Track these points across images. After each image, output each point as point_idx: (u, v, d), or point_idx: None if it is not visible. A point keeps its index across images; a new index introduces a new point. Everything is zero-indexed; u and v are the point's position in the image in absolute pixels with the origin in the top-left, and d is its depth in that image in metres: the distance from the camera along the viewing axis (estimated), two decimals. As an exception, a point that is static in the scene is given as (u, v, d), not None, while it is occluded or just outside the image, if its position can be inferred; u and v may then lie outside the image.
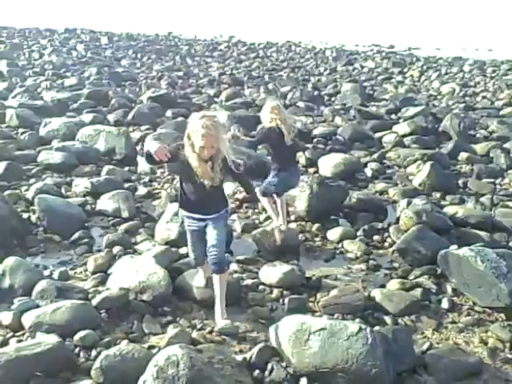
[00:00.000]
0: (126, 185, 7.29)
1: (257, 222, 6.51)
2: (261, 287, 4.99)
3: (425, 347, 4.16)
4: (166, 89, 14.06)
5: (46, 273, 5.10)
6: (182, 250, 5.47)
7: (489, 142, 9.86)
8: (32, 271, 4.85)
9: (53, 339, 3.72)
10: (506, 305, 4.55)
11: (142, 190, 7.30)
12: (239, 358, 3.83)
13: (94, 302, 4.41)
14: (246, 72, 18.59)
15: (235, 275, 5.14)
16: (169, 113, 11.64)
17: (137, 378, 3.35)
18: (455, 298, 4.88)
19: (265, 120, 5.90)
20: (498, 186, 7.82)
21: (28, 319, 4.09)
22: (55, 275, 5.03)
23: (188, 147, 4.11)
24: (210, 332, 4.29)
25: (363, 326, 3.60)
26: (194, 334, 4.18)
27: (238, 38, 32.30)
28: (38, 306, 4.38)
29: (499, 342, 4.28)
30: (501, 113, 12.73)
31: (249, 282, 5.04)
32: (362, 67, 21.09)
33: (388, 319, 4.55)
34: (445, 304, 4.78)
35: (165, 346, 3.93)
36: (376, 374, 3.48)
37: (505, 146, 9.58)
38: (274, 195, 6.00)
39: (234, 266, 5.32)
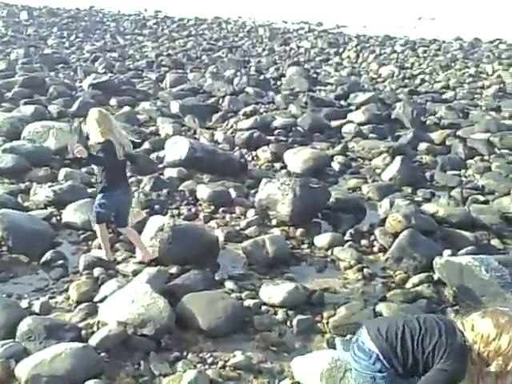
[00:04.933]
0: (90, 190, 6.68)
1: (238, 228, 6.19)
2: (263, 308, 4.73)
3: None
4: (104, 73, 13.20)
5: (24, 304, 4.55)
6: (171, 270, 5.09)
7: (443, 130, 10.03)
8: (11, 307, 4.30)
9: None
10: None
11: (106, 197, 6.73)
12: (267, 399, 3.59)
13: (93, 342, 3.98)
14: (183, 53, 17.87)
15: (233, 295, 4.84)
16: (113, 101, 10.93)
17: None
18: (458, 308, 4.86)
19: (94, 135, 4.96)
20: (463, 178, 7.95)
21: (23, 371, 3.60)
22: (36, 308, 4.49)
23: None
24: (223, 367, 4.00)
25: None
26: (210, 373, 3.87)
27: (164, 13, 31.06)
28: (25, 350, 3.89)
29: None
30: (443, 97, 13.04)
31: (250, 302, 4.75)
32: (299, 47, 20.94)
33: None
34: (450, 315, 4.74)
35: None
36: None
37: (458, 133, 9.80)
38: (121, 229, 5.34)
39: (229, 285, 5.01)
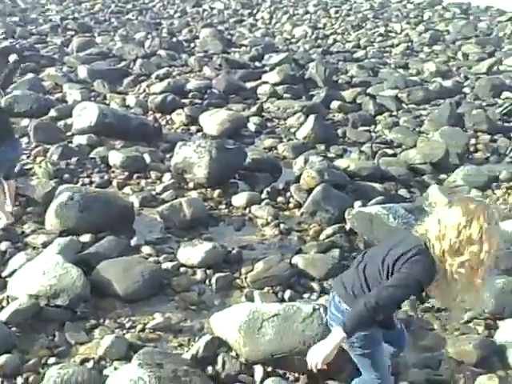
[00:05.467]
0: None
1: (154, 193, 6.09)
2: (182, 269, 4.73)
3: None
4: (4, 39, 12.34)
5: None
6: (84, 238, 4.95)
7: (354, 88, 10.27)
8: None
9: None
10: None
11: (11, 168, 6.37)
12: (187, 355, 3.61)
13: (2, 317, 3.80)
14: (90, 16, 16.99)
15: (151, 259, 4.79)
16: (15, 68, 10.22)
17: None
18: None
19: None
20: (373, 134, 8.23)
21: None
22: None
23: None
24: (142, 330, 3.99)
25: (316, 307, 3.58)
26: (128, 337, 3.84)
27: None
28: None
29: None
30: (354, 56, 13.32)
31: (168, 265, 4.73)
32: (212, 9, 20.51)
33: (315, 285, 4.61)
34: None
35: (101, 357, 3.58)
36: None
37: (368, 91, 10.09)
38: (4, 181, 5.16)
39: (145, 250, 4.95)
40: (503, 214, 5.28)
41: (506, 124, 8.51)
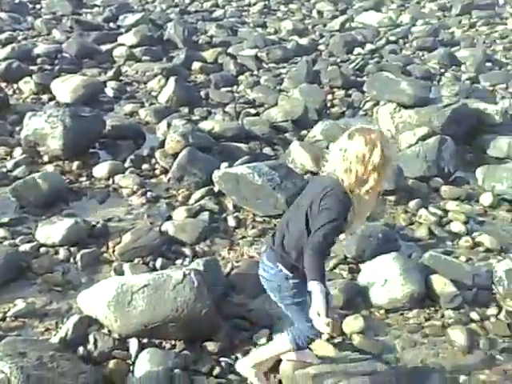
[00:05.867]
0: None
1: (5, 170, 5.58)
2: (42, 250, 4.42)
3: (228, 269, 4.36)
4: None
5: None
6: None
7: (214, 48, 10.16)
8: None
9: None
10: (284, 211, 4.98)
11: None
12: (55, 339, 3.41)
13: None
14: None
15: (5, 243, 4.41)
16: None
17: None
18: (238, 214, 5.15)
19: None
20: (236, 94, 8.24)
21: None
22: None
23: None
24: (3, 319, 3.69)
25: (186, 272, 3.54)
26: (-13, 327, 3.53)
27: None
28: None
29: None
30: (213, 15, 13.15)
31: (26, 247, 4.39)
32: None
33: (187, 250, 4.57)
34: (231, 222, 5.01)
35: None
36: (206, 313, 3.51)
37: (229, 50, 10.05)
38: None
39: (-1, 232, 4.55)
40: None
41: (358, 79, 8.96)
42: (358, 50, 10.59)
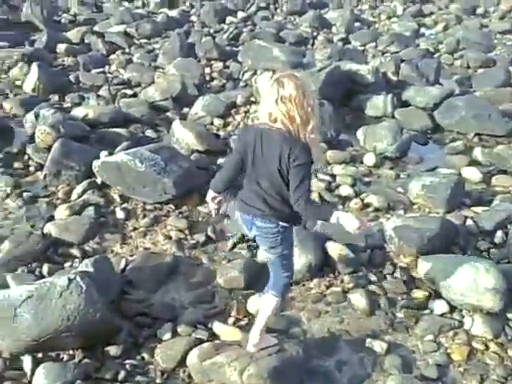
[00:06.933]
0: None
1: None
2: None
3: (122, 265, 4.12)
4: None
5: None
6: None
7: (79, 27, 9.52)
8: None
9: None
10: (174, 196, 4.80)
11: None
12: None
13: None
14: None
15: None
16: None
17: None
18: (126, 205, 4.87)
19: None
20: (109, 75, 7.79)
21: None
22: None
23: None
24: None
25: (71, 276, 3.26)
26: None
27: None
28: None
29: (180, 232, 4.53)
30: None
31: None
32: None
33: (75, 251, 4.26)
34: (120, 214, 4.73)
35: None
36: (101, 317, 3.29)
37: (95, 28, 9.49)
38: None
39: None
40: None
41: (234, 48, 8.86)
42: (230, 18, 10.47)
